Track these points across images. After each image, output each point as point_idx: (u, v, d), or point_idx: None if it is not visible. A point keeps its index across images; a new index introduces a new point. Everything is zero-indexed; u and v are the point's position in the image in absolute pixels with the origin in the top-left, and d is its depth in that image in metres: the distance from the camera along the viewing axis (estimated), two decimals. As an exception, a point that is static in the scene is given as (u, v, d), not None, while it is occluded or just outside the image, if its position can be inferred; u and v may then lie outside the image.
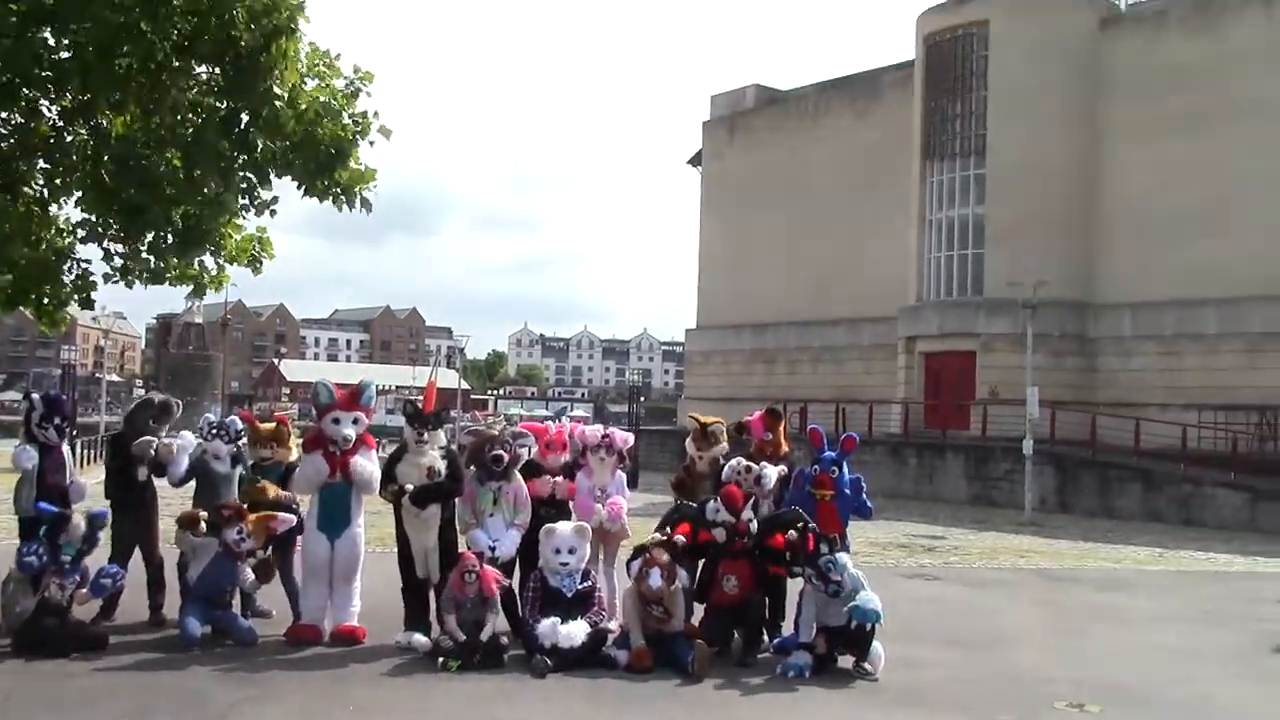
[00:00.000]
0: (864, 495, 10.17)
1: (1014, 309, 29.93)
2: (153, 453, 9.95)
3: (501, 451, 9.59)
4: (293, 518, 9.69)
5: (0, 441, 27.19)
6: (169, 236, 11.29)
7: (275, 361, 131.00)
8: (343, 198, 11.12)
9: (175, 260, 11.68)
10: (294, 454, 10.35)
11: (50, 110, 11.29)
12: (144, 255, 11.47)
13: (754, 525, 9.52)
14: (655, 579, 8.90)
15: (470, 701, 7.77)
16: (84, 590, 9.22)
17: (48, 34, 10.12)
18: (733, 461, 10.07)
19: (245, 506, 9.57)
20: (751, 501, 9.70)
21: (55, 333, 12.44)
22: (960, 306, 35.00)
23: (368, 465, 9.67)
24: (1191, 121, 31.57)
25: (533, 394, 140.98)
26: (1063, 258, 32.97)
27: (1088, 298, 33.67)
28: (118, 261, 11.55)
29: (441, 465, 9.49)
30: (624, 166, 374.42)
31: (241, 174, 11.00)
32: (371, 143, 11.09)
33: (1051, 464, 29.06)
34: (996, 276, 32.89)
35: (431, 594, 9.50)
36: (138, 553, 10.15)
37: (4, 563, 9.34)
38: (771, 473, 10.02)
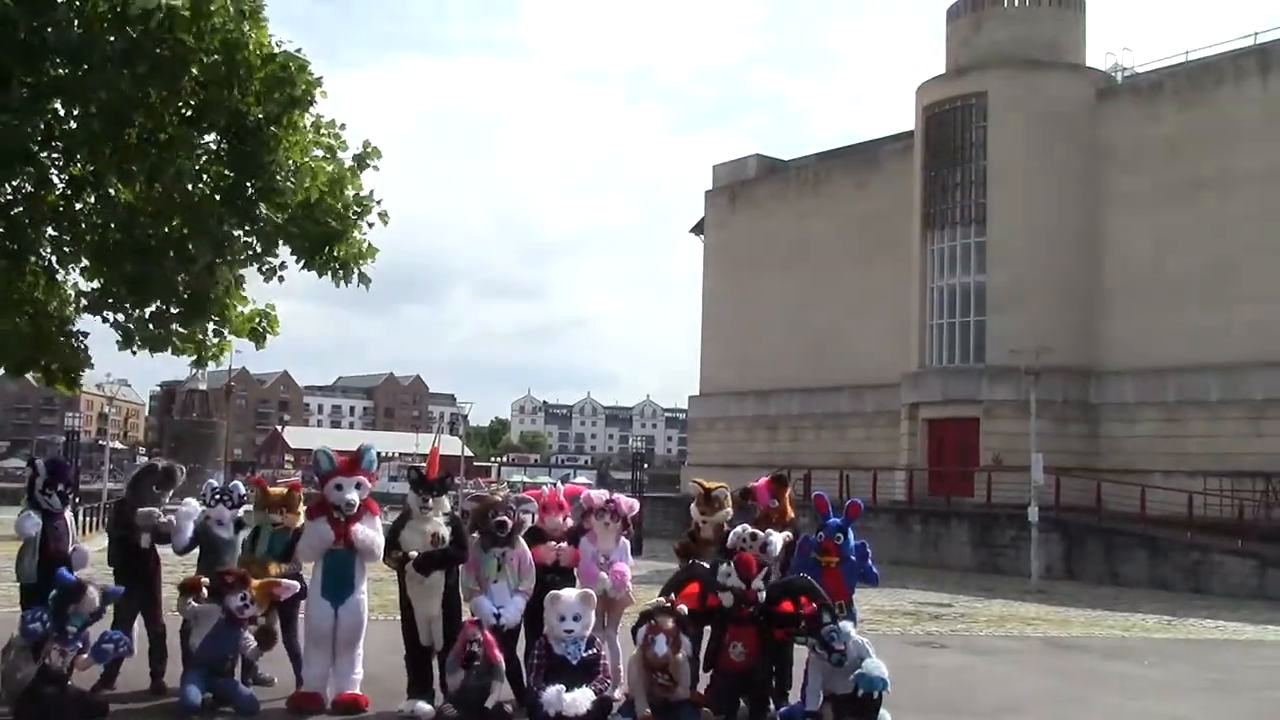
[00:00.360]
0: (870, 561, 10.13)
1: (1016, 375, 29.98)
2: (156, 523, 9.95)
3: (505, 518, 9.57)
4: (296, 584, 9.65)
5: (3, 509, 27.11)
6: (171, 306, 11.38)
7: (279, 428, 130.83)
8: (341, 273, 11.19)
9: (178, 329, 11.75)
10: (300, 520, 10.33)
11: (59, 179, 11.43)
12: (147, 323, 11.53)
13: (762, 595, 9.48)
14: (661, 645, 8.85)
15: (474, 770, 7.69)
16: (85, 656, 9.17)
17: (58, 104, 10.28)
18: (738, 529, 10.05)
19: (247, 573, 9.55)
20: (764, 573, 9.67)
21: (74, 394, 12.49)
22: (963, 373, 35.05)
23: (370, 533, 9.64)
24: (1189, 190, 31.84)
25: (536, 461, 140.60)
26: (1065, 324, 33.08)
27: (1090, 364, 33.73)
28: (122, 331, 11.60)
29: (446, 531, 9.46)
30: (628, 235, 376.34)
31: (245, 242, 11.10)
32: (370, 225, 11.20)
33: (1057, 531, 28.93)
34: (999, 343, 32.98)
35: (435, 661, 9.44)
36: (139, 621, 10.11)
37: (5, 630, 9.28)
38: (777, 540, 9.99)
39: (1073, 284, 33.79)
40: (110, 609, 9.63)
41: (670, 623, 9.03)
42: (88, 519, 33.58)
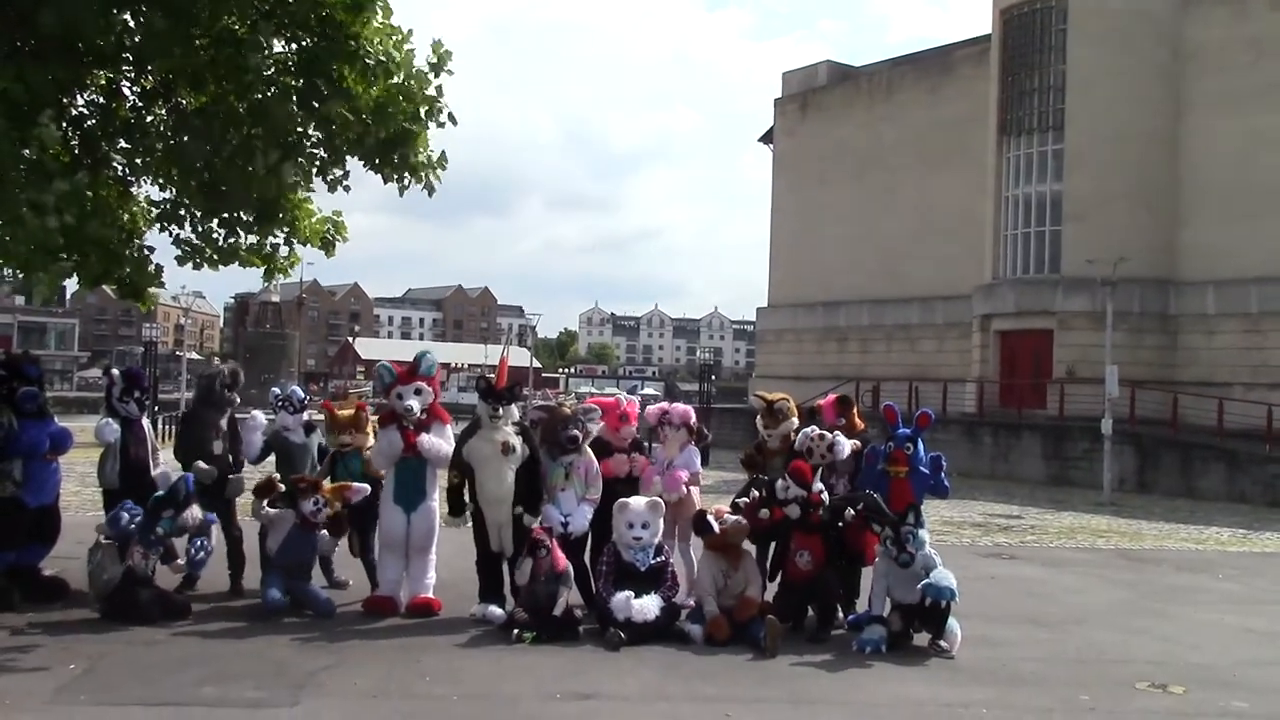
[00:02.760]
0: (943, 474, 10.05)
1: (1092, 286, 29.36)
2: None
3: (576, 431, 9.63)
4: (367, 487, 9.80)
5: (85, 418, 27.79)
6: (242, 214, 11.40)
7: (350, 340, 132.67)
8: (409, 179, 11.12)
9: (248, 240, 11.78)
10: (371, 439, 10.45)
11: (131, 91, 11.44)
12: (215, 236, 11.58)
13: (826, 496, 9.47)
14: (714, 525, 9.00)
15: (545, 673, 7.81)
16: (179, 561, 9.42)
17: (127, 16, 10.25)
18: (806, 429, 10.02)
19: (319, 478, 9.72)
20: (820, 473, 9.65)
21: (146, 309, 12.61)
22: (1037, 284, 34.41)
23: (436, 441, 9.73)
24: (1277, 94, 30.71)
25: (603, 372, 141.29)
26: (1143, 234, 32.26)
27: (1169, 274, 32.94)
28: (189, 245, 11.65)
29: (516, 440, 9.53)
30: (698, 146, 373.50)
31: (312, 151, 11.06)
32: (440, 125, 11.07)
33: (1131, 444, 28.52)
34: (1075, 253, 32.25)
35: (506, 567, 9.57)
36: (217, 525, 10.34)
37: (90, 532, 9.54)
38: (845, 443, 9.94)
39: (1153, 192, 32.88)
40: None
41: (724, 510, 9.14)
42: (166, 427, 34.37)
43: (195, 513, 9.47)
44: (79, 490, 16.24)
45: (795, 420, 10.47)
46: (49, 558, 10.02)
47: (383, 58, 10.50)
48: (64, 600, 9.58)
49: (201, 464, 10.03)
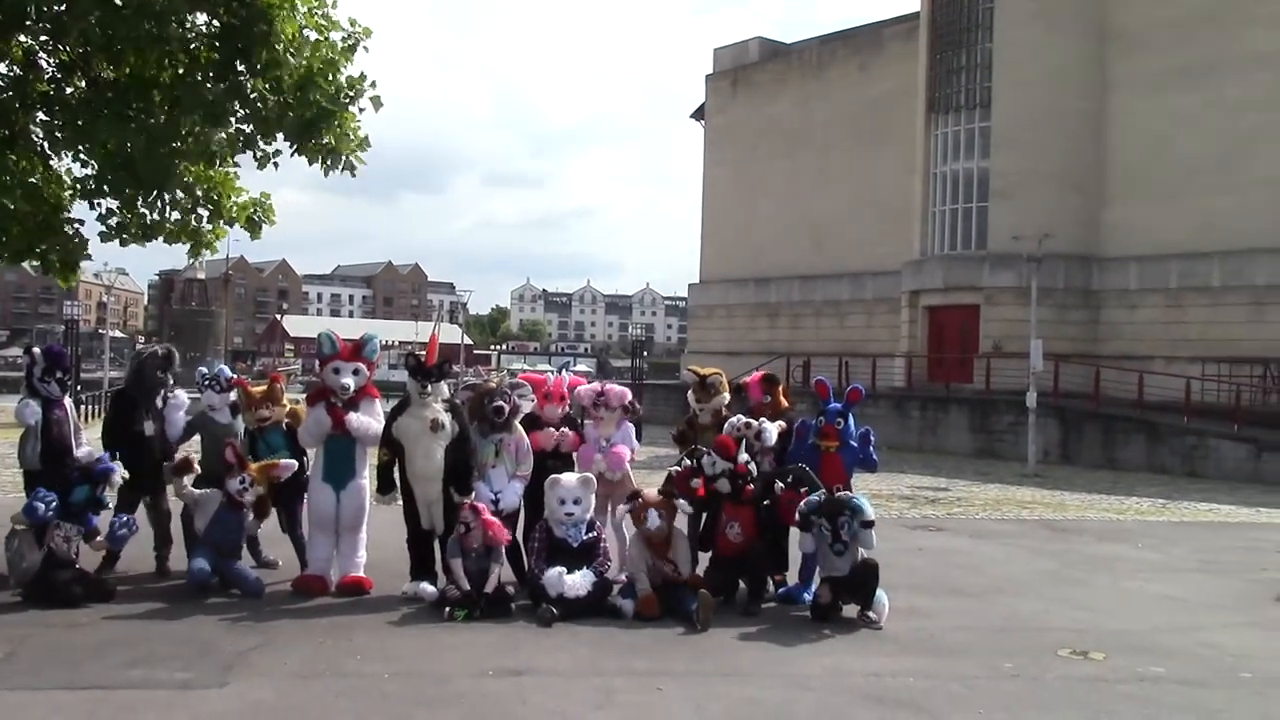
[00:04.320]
0: (871, 448, 10.18)
1: (1018, 262, 29.81)
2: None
3: (502, 403, 9.60)
4: (294, 464, 9.71)
5: (4, 398, 27.22)
6: (164, 192, 11.20)
7: (278, 317, 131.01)
8: (330, 160, 10.98)
9: (171, 216, 11.60)
10: (287, 409, 10.34)
11: (49, 63, 11.19)
12: (140, 211, 11.37)
13: (753, 467, 9.54)
14: (654, 519, 8.97)
15: (477, 650, 7.81)
16: (100, 539, 9.28)
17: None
18: (734, 418, 10.09)
19: (245, 456, 9.60)
20: (744, 444, 9.71)
21: (68, 286, 12.32)
22: (964, 260, 34.87)
23: (365, 419, 9.66)
24: (1198, 74, 31.31)
25: (535, 349, 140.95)
26: (1067, 211, 32.80)
27: (1092, 251, 33.54)
28: (113, 220, 11.44)
29: (445, 418, 9.48)
30: (630, 123, 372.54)
31: (239, 129, 10.89)
32: (361, 109, 10.94)
33: (1055, 417, 29.06)
34: (1001, 230, 32.72)
35: (436, 544, 9.54)
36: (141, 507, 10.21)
37: (7, 516, 9.35)
38: (772, 429, 10.02)
39: (1077, 169, 33.42)
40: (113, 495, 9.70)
41: (656, 496, 9.14)
42: (88, 407, 33.75)
43: (117, 479, 9.34)
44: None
45: (727, 395, 10.54)
46: (-33, 541, 9.80)
47: (297, 39, 10.36)
48: (-17, 585, 9.38)
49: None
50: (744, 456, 9.55)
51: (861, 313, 40.78)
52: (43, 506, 8.99)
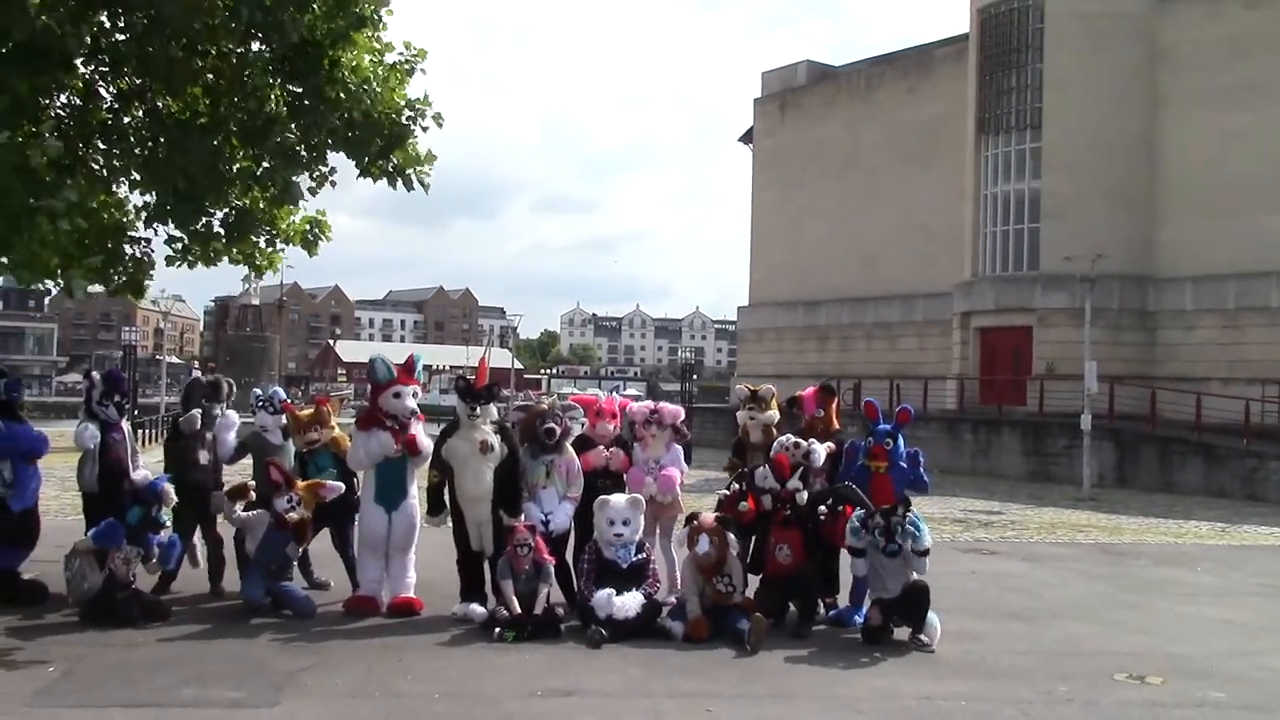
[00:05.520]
0: (921, 469, 10.12)
1: (1071, 283, 29.50)
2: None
3: (553, 425, 9.64)
4: (341, 485, 9.79)
5: (64, 423, 27.66)
6: (223, 220, 11.38)
7: (331, 342, 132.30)
8: (399, 178, 11.13)
9: (229, 244, 11.76)
10: (336, 431, 10.44)
11: (107, 93, 11.39)
12: (199, 237, 11.55)
13: (801, 495, 9.48)
14: (704, 545, 8.92)
15: (526, 671, 7.82)
16: (154, 561, 9.40)
17: (104, 17, 10.20)
18: (782, 438, 10.05)
19: (292, 476, 9.70)
20: (800, 473, 9.67)
21: (137, 301, 12.49)
22: (1016, 282, 34.57)
23: (425, 441, 9.78)
24: (1252, 93, 30.93)
25: (586, 373, 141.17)
26: (1121, 231, 32.45)
27: (1147, 271, 33.14)
28: (178, 245, 11.62)
29: (494, 439, 9.54)
30: (678, 147, 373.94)
31: (296, 149, 11.03)
32: (425, 128, 11.07)
33: (1110, 439, 28.69)
34: (1053, 251, 32.39)
35: (486, 566, 9.57)
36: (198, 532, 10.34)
37: (69, 539, 9.51)
38: (820, 450, 9.97)
39: (1130, 189, 33.08)
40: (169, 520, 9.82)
41: (711, 522, 9.09)
42: (146, 432, 34.21)
43: (168, 489, 9.46)
44: (57, 495, 16.17)
45: (776, 412, 10.51)
46: (27, 561, 9.96)
47: (362, 67, 10.52)
48: (43, 604, 9.53)
49: (221, 495, 10.00)
50: (794, 484, 9.49)
51: (912, 335, 40.50)
52: (116, 531, 9.11)
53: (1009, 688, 7.78)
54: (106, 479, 10.01)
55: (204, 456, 10.35)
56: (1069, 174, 33.32)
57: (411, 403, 9.69)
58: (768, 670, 8.06)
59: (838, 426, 10.74)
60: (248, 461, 10.68)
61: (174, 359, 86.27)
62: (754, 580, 9.65)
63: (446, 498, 9.67)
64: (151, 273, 11.88)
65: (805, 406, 10.68)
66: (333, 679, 7.55)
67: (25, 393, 10.29)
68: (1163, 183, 33.08)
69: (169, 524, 9.58)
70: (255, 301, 75.41)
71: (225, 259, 11.97)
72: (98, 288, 11.91)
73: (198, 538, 10.37)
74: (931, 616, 8.88)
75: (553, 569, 9.24)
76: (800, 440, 9.93)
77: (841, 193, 42.78)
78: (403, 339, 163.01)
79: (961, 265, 36.57)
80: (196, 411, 10.36)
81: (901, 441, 10.01)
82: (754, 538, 9.80)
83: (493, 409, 9.90)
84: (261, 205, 11.59)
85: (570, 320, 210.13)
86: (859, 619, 9.27)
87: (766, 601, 9.26)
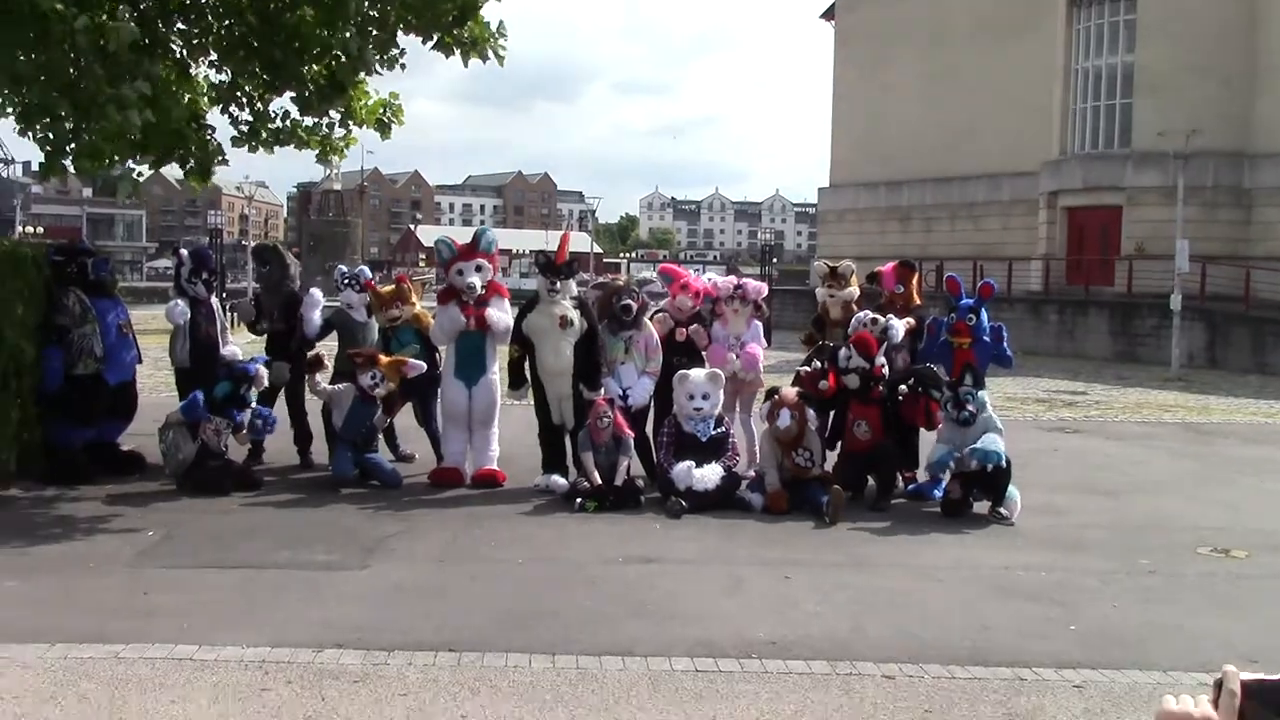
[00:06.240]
0: (1005, 344, 9.99)
1: (1164, 161, 28.59)
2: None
3: (630, 301, 9.65)
4: (422, 363, 9.91)
5: (155, 308, 28.22)
6: (301, 93, 11.37)
7: (411, 228, 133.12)
8: (471, 52, 11.01)
9: (305, 122, 11.76)
10: (418, 307, 10.56)
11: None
12: (272, 116, 11.56)
13: (886, 371, 9.44)
14: (785, 419, 8.93)
15: (608, 539, 7.96)
16: (244, 432, 9.67)
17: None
18: (860, 314, 9.96)
19: (375, 353, 9.85)
20: (884, 348, 9.61)
21: (201, 187, 12.60)
22: (1106, 159, 33.56)
23: (502, 316, 9.85)
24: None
25: (664, 257, 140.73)
26: (1217, 106, 31.21)
27: (1244, 147, 31.93)
28: (245, 126, 11.65)
29: (574, 315, 9.59)
30: (758, 26, 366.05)
31: (368, 28, 10.96)
32: None
33: (1201, 320, 28.00)
34: (1146, 127, 31.34)
35: (567, 439, 9.70)
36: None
37: (164, 414, 9.79)
38: (899, 326, 9.88)
39: (1227, 63, 31.71)
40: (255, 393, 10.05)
41: (794, 396, 9.09)
42: (233, 315, 34.87)
43: (262, 373, 9.70)
44: (151, 373, 16.60)
45: (856, 289, 10.41)
46: (126, 433, 10.30)
47: None
48: (141, 473, 9.88)
49: (282, 364, 10.23)
50: (881, 360, 9.44)
51: (997, 215, 39.66)
52: (198, 404, 9.39)
53: (1090, 560, 7.76)
54: (197, 354, 10.27)
55: (278, 326, 10.59)
56: (1164, 46, 32.03)
57: (473, 278, 9.73)
58: (846, 540, 8.13)
59: (918, 302, 10.62)
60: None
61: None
62: (832, 456, 9.68)
63: (527, 373, 9.77)
64: (221, 159, 11.94)
65: (885, 282, 10.56)
66: (419, 545, 7.75)
67: (116, 275, 10.51)
68: (1262, 55, 31.67)
69: (254, 403, 9.81)
70: (337, 187, 75.86)
71: (295, 142, 11.98)
72: (146, 171, 12.00)
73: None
74: (1012, 490, 8.84)
75: (632, 442, 9.34)
76: (878, 317, 9.85)
77: (926, 69, 41.61)
78: (482, 223, 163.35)
79: (1049, 143, 35.56)
80: (250, 304, 10.54)
81: (985, 317, 9.88)
82: (832, 414, 9.80)
83: (572, 285, 9.94)
84: (336, 80, 11.57)
85: (649, 204, 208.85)
86: (938, 493, 9.26)
87: (845, 475, 9.29)
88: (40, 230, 66.04)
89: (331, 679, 5.15)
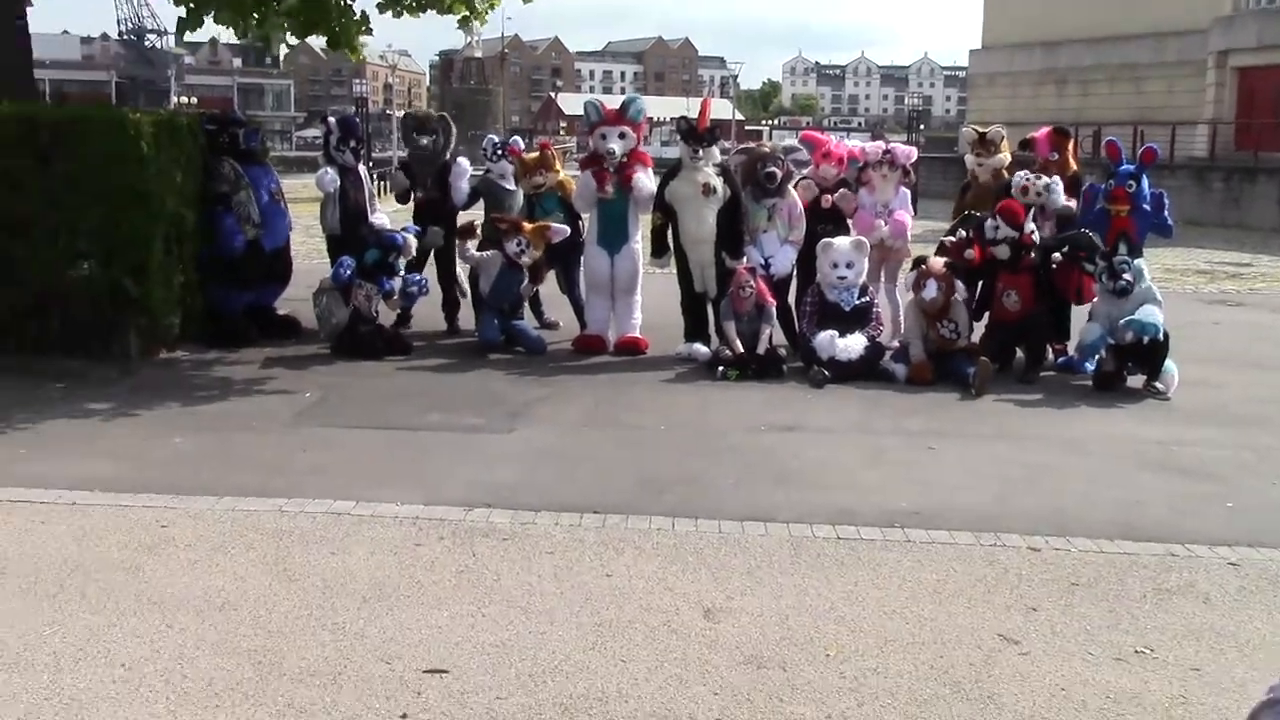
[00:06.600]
0: (1166, 213, 9.56)
1: (1349, 14, 26.68)
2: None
3: (775, 168, 9.48)
4: (565, 228, 9.93)
5: (304, 176, 28.83)
6: None
7: (552, 95, 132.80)
8: None
9: None
10: (562, 174, 10.56)
11: None
12: None
13: (1037, 238, 9.13)
14: (930, 289, 8.74)
15: (749, 407, 7.98)
16: (395, 298, 9.89)
17: None
18: (1019, 173, 9.61)
19: (520, 220, 9.91)
20: (1032, 214, 9.28)
21: (356, 59, 12.67)
22: (1284, 14, 31.50)
23: (644, 180, 9.79)
24: None
25: (807, 124, 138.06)
26: None
27: None
28: None
29: (716, 182, 9.47)
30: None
31: None
32: None
33: (1382, 187, 26.40)
34: (1331, -22, 29.25)
35: (710, 308, 9.68)
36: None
37: (317, 279, 10.07)
38: (1060, 187, 9.51)
39: None
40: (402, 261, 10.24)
41: (940, 267, 8.88)
42: (379, 183, 35.43)
43: (410, 242, 9.88)
44: (303, 240, 17.03)
45: (1007, 155, 10.05)
46: (282, 298, 10.64)
47: None
48: (297, 337, 10.23)
49: (437, 229, 10.39)
50: (1030, 227, 9.13)
51: (1160, 77, 37.67)
52: (346, 269, 9.62)
53: (1248, 434, 7.50)
54: (347, 221, 10.48)
55: (427, 194, 10.67)
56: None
57: (615, 144, 9.65)
58: (993, 412, 8.00)
59: (1074, 169, 10.20)
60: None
61: (403, 113, 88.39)
62: (979, 328, 9.47)
63: (670, 241, 9.74)
64: (365, 28, 11.93)
65: (1038, 149, 10.16)
66: (564, 410, 7.89)
67: (267, 144, 10.73)
68: None
69: (402, 271, 10.00)
70: (478, 55, 76.08)
71: (437, 8, 11.93)
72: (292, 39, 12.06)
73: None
74: (1168, 364, 8.55)
75: (775, 311, 9.28)
76: (1040, 175, 9.50)
77: (1089, -80, 39.38)
78: (622, 90, 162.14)
79: (1221, -2, 33.51)
80: (400, 172, 10.66)
81: (1145, 183, 9.45)
82: (980, 284, 9.56)
83: (715, 151, 9.81)
84: None
85: (792, 69, 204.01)
86: (1089, 367, 9.00)
87: (993, 347, 9.08)
88: (194, 100, 67.69)
89: (481, 536, 5.32)
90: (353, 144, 10.78)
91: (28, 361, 8.69)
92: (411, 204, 10.93)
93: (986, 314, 9.44)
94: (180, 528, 5.41)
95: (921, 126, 52.68)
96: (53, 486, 5.97)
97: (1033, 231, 9.10)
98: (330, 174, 10.45)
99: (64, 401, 7.95)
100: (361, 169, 10.99)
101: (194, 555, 5.07)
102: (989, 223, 9.17)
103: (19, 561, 4.97)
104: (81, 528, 5.40)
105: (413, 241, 9.92)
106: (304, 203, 13.26)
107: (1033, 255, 9.03)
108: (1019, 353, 9.26)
